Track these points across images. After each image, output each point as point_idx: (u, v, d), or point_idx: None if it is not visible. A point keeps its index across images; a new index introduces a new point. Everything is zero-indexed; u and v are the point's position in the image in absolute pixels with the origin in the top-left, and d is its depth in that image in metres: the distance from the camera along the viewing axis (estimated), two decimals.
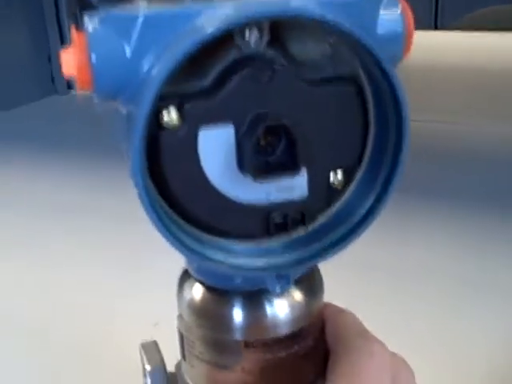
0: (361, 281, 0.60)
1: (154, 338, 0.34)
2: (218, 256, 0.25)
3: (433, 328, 0.53)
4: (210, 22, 0.21)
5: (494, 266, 0.61)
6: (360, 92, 0.24)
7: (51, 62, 1.35)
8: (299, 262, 0.25)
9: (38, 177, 0.89)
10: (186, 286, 0.29)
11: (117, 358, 0.53)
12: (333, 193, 0.25)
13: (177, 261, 0.28)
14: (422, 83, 1.20)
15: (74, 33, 0.23)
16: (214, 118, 0.23)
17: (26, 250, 0.71)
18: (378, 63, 0.23)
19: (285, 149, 0.24)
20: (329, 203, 0.25)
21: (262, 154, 0.24)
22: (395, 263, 0.63)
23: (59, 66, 0.24)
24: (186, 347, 0.30)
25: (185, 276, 0.30)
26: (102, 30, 0.22)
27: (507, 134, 0.93)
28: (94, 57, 0.22)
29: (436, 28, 2.54)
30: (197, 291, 0.29)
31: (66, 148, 0.88)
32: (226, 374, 0.29)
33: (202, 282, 0.29)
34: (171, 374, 0.34)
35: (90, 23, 0.23)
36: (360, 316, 0.54)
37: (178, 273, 0.30)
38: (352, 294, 0.57)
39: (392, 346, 0.48)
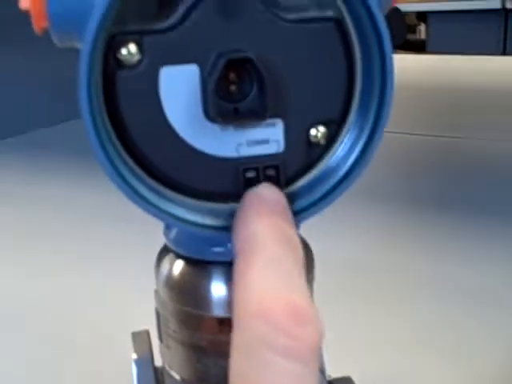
0: (363, 285, 0.59)
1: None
2: (179, 211, 0.22)
3: (431, 340, 0.51)
4: None
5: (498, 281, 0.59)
6: (345, 37, 0.22)
7: None
8: None
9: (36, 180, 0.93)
10: (163, 259, 0.27)
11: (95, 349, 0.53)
12: (314, 149, 0.22)
13: None
14: (488, 105, 1.18)
15: None
16: (175, 55, 0.21)
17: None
18: (363, 3, 0.20)
19: (256, 95, 0.21)
20: (309, 161, 0.23)
21: (231, 99, 0.21)
22: (401, 271, 0.61)
23: None
24: (162, 327, 0.28)
25: (163, 251, 0.27)
26: None
27: None
28: None
29: (504, 54, 2.49)
30: (173, 263, 0.26)
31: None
32: (201, 356, 0.26)
33: (178, 254, 0.26)
34: (161, 367, 0.32)
35: None
36: (358, 321, 0.52)
37: None
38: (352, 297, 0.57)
39: (390, 355, 0.45)
